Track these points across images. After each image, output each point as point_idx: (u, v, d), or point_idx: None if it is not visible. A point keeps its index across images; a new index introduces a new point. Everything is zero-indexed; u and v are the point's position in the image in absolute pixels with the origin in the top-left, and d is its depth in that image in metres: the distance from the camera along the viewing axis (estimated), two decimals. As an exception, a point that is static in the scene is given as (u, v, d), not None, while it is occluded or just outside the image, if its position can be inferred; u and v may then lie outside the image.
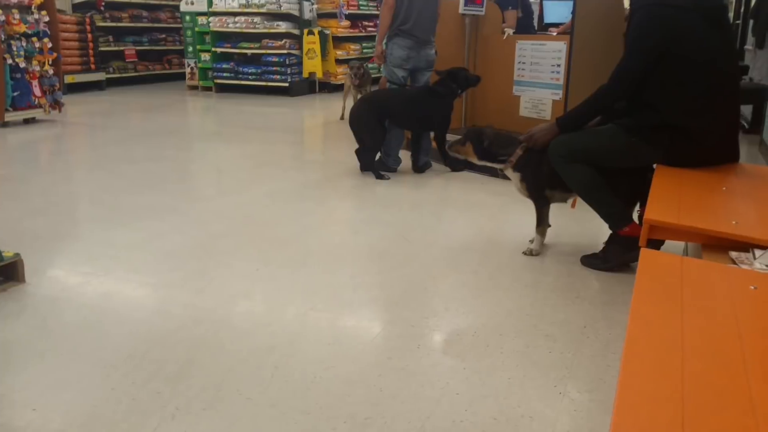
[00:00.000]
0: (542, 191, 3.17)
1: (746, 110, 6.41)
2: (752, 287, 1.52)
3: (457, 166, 4.90)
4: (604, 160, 2.89)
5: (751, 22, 6.43)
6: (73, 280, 2.96)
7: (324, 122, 7.88)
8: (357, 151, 4.93)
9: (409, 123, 4.91)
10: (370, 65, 7.71)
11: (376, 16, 10.50)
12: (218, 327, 2.48)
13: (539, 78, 5.04)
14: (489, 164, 3.32)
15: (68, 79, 9.33)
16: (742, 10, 8.38)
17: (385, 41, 4.98)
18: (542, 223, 3.23)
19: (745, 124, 6.38)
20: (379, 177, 4.77)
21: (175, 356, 2.25)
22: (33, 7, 6.83)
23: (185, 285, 2.88)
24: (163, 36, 11.92)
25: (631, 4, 2.88)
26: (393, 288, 2.88)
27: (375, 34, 10.58)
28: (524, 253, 3.23)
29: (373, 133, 4.74)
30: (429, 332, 2.47)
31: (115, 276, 2.99)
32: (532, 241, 3.26)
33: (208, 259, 3.19)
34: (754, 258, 1.78)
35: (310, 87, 10.29)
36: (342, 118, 7.66)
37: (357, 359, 2.25)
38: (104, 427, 1.85)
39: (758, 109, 5.97)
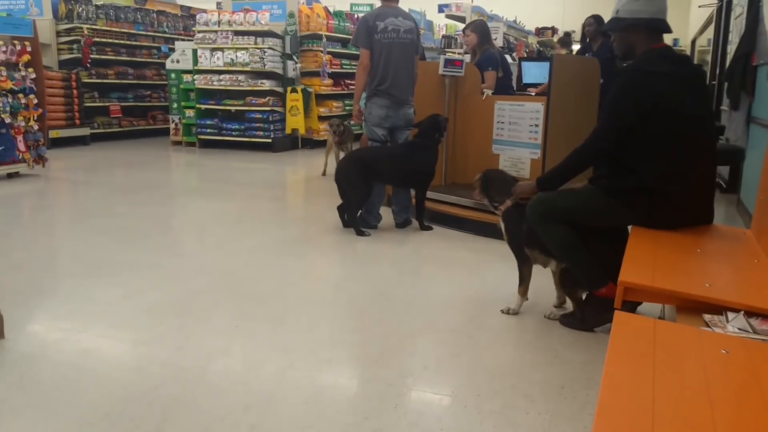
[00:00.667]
0: (521, 248, 3.20)
1: (723, 170, 6.56)
2: (724, 351, 1.55)
3: (425, 226, 4.99)
4: (581, 219, 2.94)
5: (726, 84, 6.65)
6: (52, 336, 2.92)
7: (306, 178, 7.94)
8: (339, 208, 4.97)
9: (396, 179, 4.96)
10: (351, 123, 7.82)
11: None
12: (195, 385, 2.46)
13: (518, 137, 5.15)
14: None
15: (53, 134, 9.38)
16: (717, 71, 8.67)
17: (363, 101, 5.09)
18: (522, 282, 3.25)
19: (723, 184, 6.52)
20: (360, 233, 4.80)
21: (151, 414, 2.22)
22: (20, 65, 6.91)
23: (163, 342, 2.85)
24: (148, 92, 12.04)
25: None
26: (371, 346, 2.87)
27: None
28: (502, 311, 3.24)
29: (359, 190, 4.79)
30: (407, 391, 2.46)
31: (94, 332, 2.96)
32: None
33: (187, 316, 3.17)
34: (727, 321, 1.81)
35: (292, 143, 10.40)
36: (324, 174, 7.73)
37: (334, 419, 2.23)
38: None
39: (735, 170, 6.12)
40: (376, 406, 2.33)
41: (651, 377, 1.38)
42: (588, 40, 7.10)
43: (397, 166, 4.84)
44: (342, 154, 7.65)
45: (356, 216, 4.88)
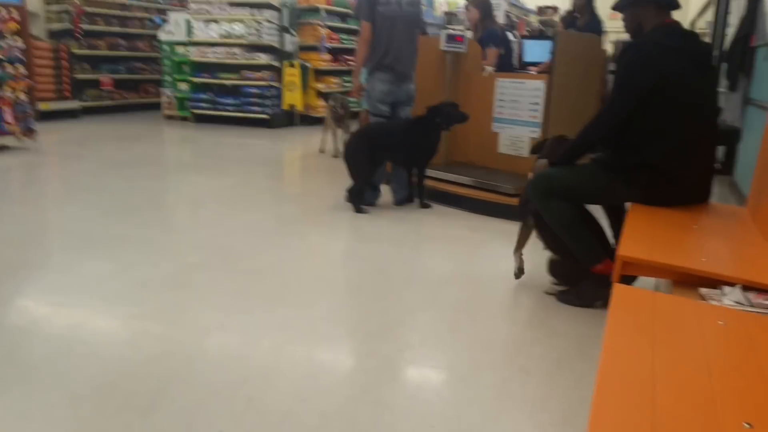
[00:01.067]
0: (526, 213, 3.21)
1: (719, 151, 6.56)
2: (721, 323, 1.55)
3: (425, 204, 4.99)
4: (583, 197, 2.95)
5: (725, 65, 6.62)
6: (42, 310, 2.91)
7: (303, 155, 7.90)
8: (350, 189, 4.94)
9: (400, 156, 4.93)
10: (349, 99, 7.78)
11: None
12: (191, 359, 2.45)
13: (518, 116, 5.13)
14: None
15: (42, 106, 9.24)
16: (717, 54, 8.63)
17: (362, 75, 5.04)
18: (517, 242, 3.29)
19: (718, 165, 6.52)
20: (359, 211, 4.79)
21: (146, 388, 2.22)
22: (6, 33, 6.80)
23: (157, 317, 2.85)
24: (141, 65, 11.91)
25: (621, 44, 2.96)
26: (370, 321, 2.87)
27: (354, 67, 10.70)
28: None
29: (366, 167, 4.78)
30: (405, 366, 2.47)
31: (86, 307, 2.95)
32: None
33: (182, 291, 3.17)
34: (723, 295, 1.82)
35: (289, 119, 10.32)
36: (322, 151, 7.71)
37: (332, 392, 2.24)
38: (72, 460, 1.81)
39: (730, 151, 6.11)
40: (374, 379, 2.34)
41: (650, 347, 1.38)
42: (575, 13, 6.99)
43: (403, 143, 4.82)
44: (340, 132, 7.63)
45: (360, 193, 4.86)
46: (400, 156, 4.93)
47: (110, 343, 2.59)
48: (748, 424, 1.12)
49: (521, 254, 3.31)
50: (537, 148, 3.40)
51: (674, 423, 1.11)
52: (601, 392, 1.19)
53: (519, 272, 3.31)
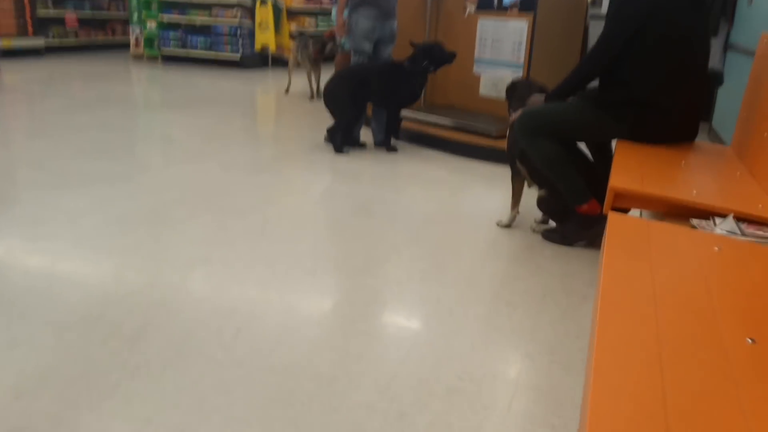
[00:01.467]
0: (514, 159, 3.20)
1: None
2: (716, 248, 1.57)
3: (392, 147, 4.95)
4: (570, 133, 2.93)
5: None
6: (19, 243, 2.84)
7: (277, 97, 7.75)
8: (330, 130, 4.86)
9: (382, 99, 4.83)
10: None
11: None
12: (175, 291, 2.43)
13: (500, 57, 5.07)
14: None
15: (3, 42, 8.90)
16: None
17: (346, 12, 4.92)
18: (513, 195, 3.29)
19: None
20: (339, 151, 4.73)
21: (131, 318, 2.19)
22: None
23: (139, 250, 2.80)
24: (107, 2, 11.49)
25: None
26: (355, 257, 2.86)
27: (329, 7, 10.45)
28: (497, 224, 3.34)
29: (350, 109, 4.69)
30: (392, 298, 2.47)
31: (64, 240, 2.88)
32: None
33: (162, 226, 3.12)
34: (715, 225, 1.84)
35: (262, 61, 10.10)
36: (287, 92, 7.60)
37: (321, 323, 2.23)
38: (60, 384, 1.79)
39: (709, 96, 6.15)
40: (363, 311, 2.34)
41: (649, 269, 1.39)
42: None
43: (385, 85, 4.71)
44: (314, 74, 7.51)
45: (341, 134, 4.79)
46: (382, 99, 4.84)
47: (92, 275, 2.54)
48: (751, 339, 1.13)
49: (518, 211, 3.31)
50: (509, 92, 3.36)
51: (679, 339, 1.12)
52: (605, 311, 1.19)
53: (507, 227, 3.30)
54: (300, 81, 8.12)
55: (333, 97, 4.72)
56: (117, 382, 1.81)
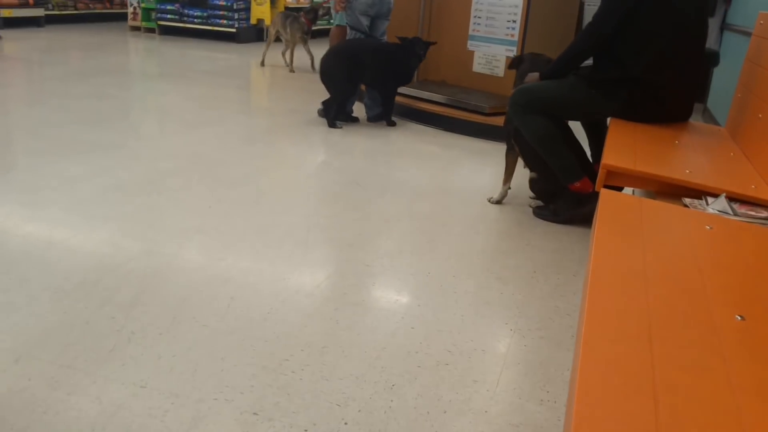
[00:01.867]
0: (510, 137, 3.21)
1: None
2: (708, 227, 1.59)
3: (393, 122, 4.96)
4: (562, 110, 2.94)
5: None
6: (16, 210, 2.84)
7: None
8: (325, 104, 4.85)
9: (378, 78, 4.81)
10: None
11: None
12: (171, 259, 2.44)
13: (494, 33, 5.05)
14: None
15: (4, 12, 8.84)
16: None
17: None
18: (505, 171, 3.30)
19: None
20: (333, 125, 4.73)
21: (127, 285, 2.21)
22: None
23: (135, 218, 2.81)
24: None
25: None
26: (347, 230, 2.88)
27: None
28: (488, 200, 3.35)
29: (345, 85, 4.69)
30: (384, 271, 2.49)
31: (61, 207, 2.89)
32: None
33: (158, 195, 3.12)
34: (707, 204, 1.86)
35: (257, 34, 10.03)
36: (263, 64, 7.71)
37: (312, 294, 2.25)
38: (57, 348, 1.81)
39: (705, 76, 6.15)
40: (355, 282, 2.36)
41: (640, 246, 1.41)
42: None
43: (381, 65, 4.70)
44: (303, 47, 7.54)
45: (333, 109, 4.78)
46: (377, 79, 4.82)
47: (89, 242, 2.55)
48: (740, 316, 1.15)
49: (509, 186, 3.32)
50: (515, 63, 3.37)
51: (668, 314, 1.14)
52: (595, 286, 1.21)
53: (498, 202, 3.31)
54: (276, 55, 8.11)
55: (330, 74, 4.69)
56: (113, 347, 1.83)
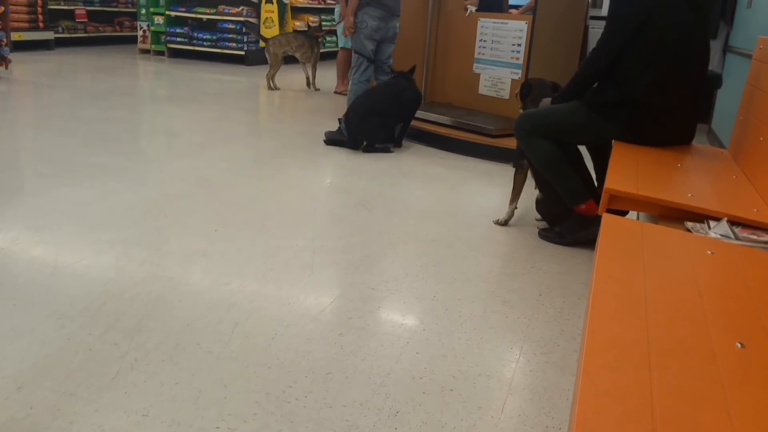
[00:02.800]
0: (521, 157, 3.22)
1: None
2: (709, 252, 1.59)
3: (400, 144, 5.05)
4: (564, 134, 2.95)
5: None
6: (23, 234, 2.86)
7: (281, 93, 7.77)
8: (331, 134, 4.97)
9: (405, 113, 4.96)
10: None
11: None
12: (176, 284, 2.45)
13: (499, 57, 5.08)
14: None
15: (15, 36, 8.95)
16: None
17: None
18: (513, 191, 3.31)
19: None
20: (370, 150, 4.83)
21: (132, 310, 2.22)
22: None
23: (141, 243, 2.82)
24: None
25: None
26: (352, 253, 2.88)
27: (333, 6, 10.46)
28: (494, 222, 3.34)
29: (383, 131, 4.84)
30: (389, 295, 2.49)
31: (68, 231, 2.91)
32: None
33: (164, 219, 3.14)
34: (709, 228, 1.86)
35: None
36: (274, 87, 7.69)
37: (317, 318, 2.25)
38: (60, 375, 1.81)
39: (708, 98, 6.16)
40: (359, 307, 2.36)
41: (641, 271, 1.41)
42: None
43: (404, 102, 4.83)
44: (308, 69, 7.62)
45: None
46: (404, 114, 4.94)
47: (94, 267, 2.57)
48: (741, 344, 1.15)
49: (515, 206, 3.33)
50: (524, 92, 3.39)
51: (669, 342, 1.14)
52: (595, 313, 1.21)
53: (505, 224, 3.32)
54: (286, 77, 8.14)
55: (365, 129, 4.77)
56: (116, 375, 1.83)
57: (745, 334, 1.19)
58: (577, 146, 3.10)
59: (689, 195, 2.05)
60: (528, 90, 3.35)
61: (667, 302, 1.29)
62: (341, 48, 7.28)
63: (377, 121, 4.75)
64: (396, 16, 4.90)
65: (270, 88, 7.70)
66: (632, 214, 2.57)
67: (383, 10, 4.77)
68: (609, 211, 2.12)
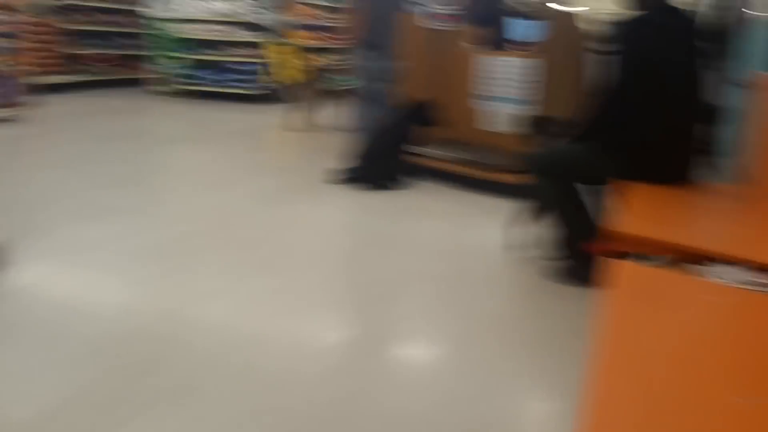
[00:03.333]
0: (529, 193, 3.26)
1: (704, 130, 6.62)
2: (715, 298, 1.58)
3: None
4: (572, 172, 2.99)
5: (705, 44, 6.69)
6: (35, 275, 2.89)
7: (291, 131, 7.84)
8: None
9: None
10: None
11: (334, 28, 10.70)
12: (186, 325, 2.47)
13: (502, 92, 5.15)
14: None
15: (28, 80, 9.12)
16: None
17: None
18: (514, 221, 3.39)
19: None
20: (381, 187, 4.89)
21: (144, 352, 2.25)
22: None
23: (151, 284, 2.85)
24: (125, 40, 11.71)
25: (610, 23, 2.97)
26: (362, 291, 2.90)
27: (340, 46, 10.63)
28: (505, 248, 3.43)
29: (399, 169, 5.01)
30: (399, 336, 2.50)
31: (80, 272, 2.95)
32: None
33: (176, 259, 3.17)
34: (715, 271, 1.85)
35: (275, 96, 10.23)
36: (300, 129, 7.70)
37: (326, 359, 2.27)
38: (70, 419, 1.83)
39: (708, 131, 6.16)
40: (367, 348, 2.37)
41: (644, 319, 1.40)
42: None
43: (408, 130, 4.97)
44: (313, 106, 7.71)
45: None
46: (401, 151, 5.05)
47: (107, 307, 2.60)
48: (749, 398, 1.12)
49: (523, 232, 3.35)
50: (532, 130, 3.46)
51: (672, 397, 1.11)
52: (596, 364, 1.19)
53: (510, 248, 3.35)
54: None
55: (376, 166, 4.92)
56: (126, 417, 1.84)
57: (758, 388, 1.16)
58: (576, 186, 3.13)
59: (702, 236, 2.04)
60: (536, 128, 3.42)
61: (671, 354, 1.26)
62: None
63: (386, 158, 4.82)
64: (387, 55, 5.15)
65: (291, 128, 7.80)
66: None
67: (377, 51, 5.01)
68: (612, 252, 2.12)
